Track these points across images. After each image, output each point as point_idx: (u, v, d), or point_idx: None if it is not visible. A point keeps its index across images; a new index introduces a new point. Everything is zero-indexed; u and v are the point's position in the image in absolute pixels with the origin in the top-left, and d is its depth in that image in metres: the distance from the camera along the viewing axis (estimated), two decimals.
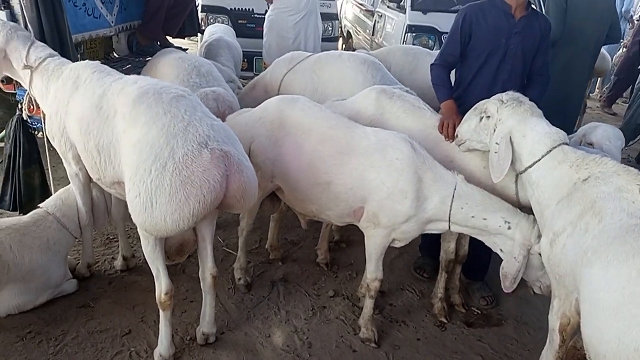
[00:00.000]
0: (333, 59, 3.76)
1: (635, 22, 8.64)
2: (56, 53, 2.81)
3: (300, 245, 3.73)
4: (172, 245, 2.44)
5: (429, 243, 3.37)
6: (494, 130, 2.48)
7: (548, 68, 3.02)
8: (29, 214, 2.88)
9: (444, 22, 5.84)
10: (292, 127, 2.71)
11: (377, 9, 7.53)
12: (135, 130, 2.16)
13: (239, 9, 6.49)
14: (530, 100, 2.49)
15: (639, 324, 1.61)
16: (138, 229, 2.28)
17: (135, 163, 2.09)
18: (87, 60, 2.68)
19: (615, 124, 4.75)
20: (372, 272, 2.73)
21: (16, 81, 3.01)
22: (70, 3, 3.59)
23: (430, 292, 3.18)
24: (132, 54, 4.74)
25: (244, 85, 4.35)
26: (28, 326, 2.67)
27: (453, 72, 3.09)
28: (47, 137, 2.81)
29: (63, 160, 2.77)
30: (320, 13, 5.55)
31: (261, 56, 5.71)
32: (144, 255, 2.39)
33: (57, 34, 3.09)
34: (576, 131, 3.01)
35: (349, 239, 3.78)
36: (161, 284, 2.37)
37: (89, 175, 2.72)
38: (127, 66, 4.20)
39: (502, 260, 2.51)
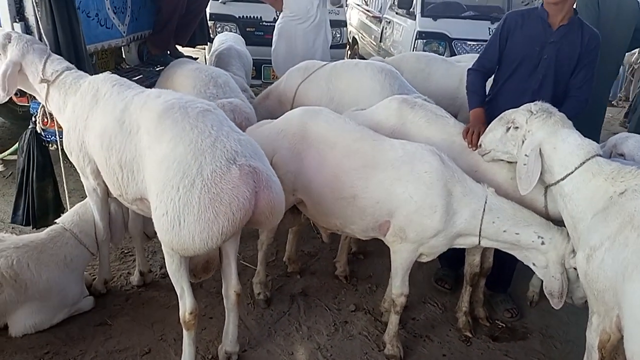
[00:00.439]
0: (350, 68, 3.69)
1: None
2: (73, 66, 2.75)
3: (317, 257, 3.66)
4: (198, 263, 2.37)
5: (449, 253, 3.29)
6: (522, 142, 2.43)
7: (590, 87, 2.82)
8: (45, 231, 2.82)
9: (455, 28, 5.82)
10: (315, 139, 2.65)
11: (384, 15, 7.50)
12: (161, 146, 2.10)
13: (247, 17, 6.48)
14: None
15: None
16: (163, 247, 2.22)
17: (162, 180, 2.03)
18: (105, 73, 2.63)
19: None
20: (398, 287, 2.66)
21: (29, 94, 2.95)
22: (84, 14, 3.54)
23: (452, 305, 3.12)
24: (142, 63, 4.68)
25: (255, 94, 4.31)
26: (45, 346, 2.61)
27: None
28: (62, 150, 2.75)
29: (81, 175, 2.71)
30: (329, 20, 5.51)
31: (269, 64, 5.68)
32: (159, 270, 2.32)
33: (72, 46, 3.04)
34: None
35: (366, 250, 3.71)
36: (185, 303, 2.30)
37: (107, 190, 2.66)
38: (139, 76, 4.13)
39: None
